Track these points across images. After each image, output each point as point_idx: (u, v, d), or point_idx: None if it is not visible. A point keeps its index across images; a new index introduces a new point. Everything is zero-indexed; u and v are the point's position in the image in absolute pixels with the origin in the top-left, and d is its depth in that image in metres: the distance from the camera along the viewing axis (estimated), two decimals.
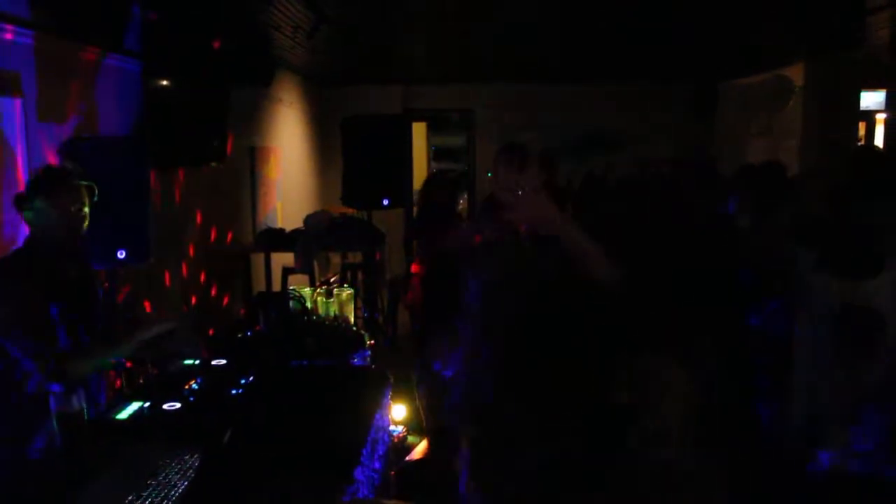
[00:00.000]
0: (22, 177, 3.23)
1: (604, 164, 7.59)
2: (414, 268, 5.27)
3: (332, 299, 4.04)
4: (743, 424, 2.59)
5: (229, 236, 5.88)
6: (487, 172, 9.53)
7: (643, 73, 8.56)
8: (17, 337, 2.40)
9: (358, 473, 2.40)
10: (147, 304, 4.36)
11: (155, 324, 2.71)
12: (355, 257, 6.36)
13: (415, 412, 4.61)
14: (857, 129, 7.63)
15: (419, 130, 9.97)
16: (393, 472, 3.10)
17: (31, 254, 2.57)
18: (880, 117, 7.83)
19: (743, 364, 2.72)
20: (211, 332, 4.58)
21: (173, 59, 4.05)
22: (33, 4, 3.19)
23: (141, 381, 3.06)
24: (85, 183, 2.61)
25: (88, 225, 2.65)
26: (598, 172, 7.15)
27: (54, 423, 2.32)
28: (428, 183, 5.64)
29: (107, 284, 3.57)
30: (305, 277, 6.03)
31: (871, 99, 7.65)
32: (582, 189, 6.84)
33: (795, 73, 7.53)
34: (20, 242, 2.98)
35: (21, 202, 2.57)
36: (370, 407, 2.90)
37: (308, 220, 6.17)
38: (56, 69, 3.52)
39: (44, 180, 2.57)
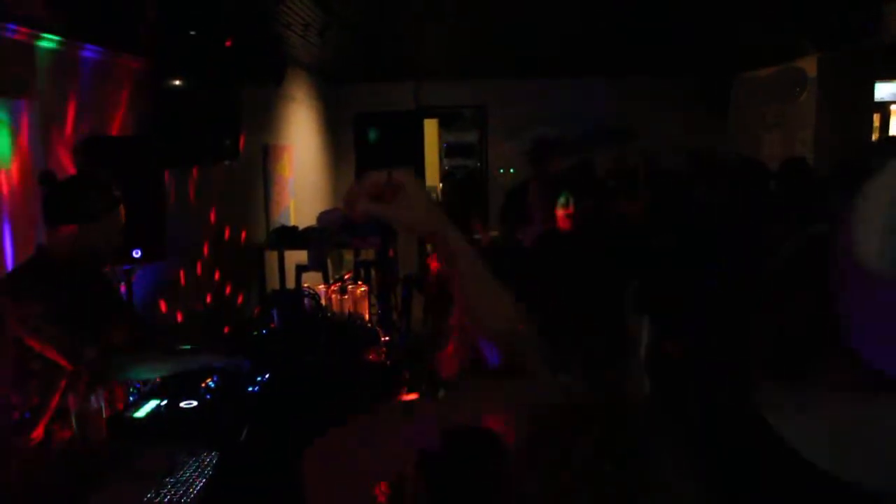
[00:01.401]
0: (33, 178, 3.25)
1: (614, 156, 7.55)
2: (433, 265, 5.27)
3: (345, 296, 4.04)
4: None
5: (243, 235, 5.90)
6: (499, 168, 9.54)
7: (655, 66, 8.52)
8: (53, 331, 2.43)
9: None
10: (162, 304, 4.38)
11: (202, 355, 2.78)
12: (368, 254, 6.36)
13: None
14: (871, 120, 7.56)
15: (431, 127, 9.94)
16: None
17: (50, 259, 2.58)
18: (895, 108, 7.76)
19: None
20: (227, 329, 4.60)
21: (185, 58, 4.06)
22: (45, 6, 3.21)
23: (158, 379, 3.07)
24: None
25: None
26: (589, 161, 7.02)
27: (73, 419, 2.33)
28: (449, 183, 5.65)
29: (122, 284, 3.60)
30: (319, 275, 6.04)
31: (886, 90, 7.58)
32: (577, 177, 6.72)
33: (809, 65, 7.47)
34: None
35: (60, 218, 2.57)
36: (386, 403, 2.90)
37: (321, 217, 6.15)
38: (68, 70, 3.54)
39: (96, 201, 2.57)
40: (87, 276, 2.69)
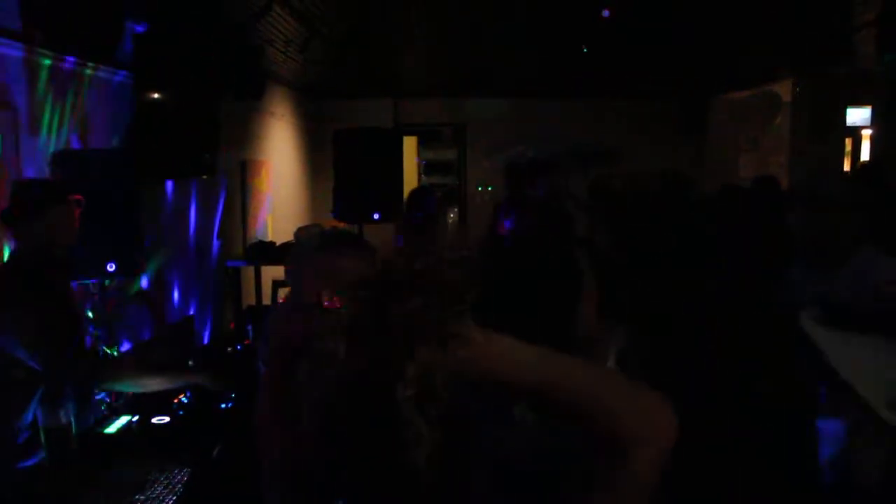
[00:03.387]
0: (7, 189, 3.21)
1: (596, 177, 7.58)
2: None
3: None
4: None
5: (220, 249, 5.86)
6: (478, 186, 9.59)
7: (633, 88, 8.63)
8: (42, 341, 2.42)
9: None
10: (136, 318, 4.34)
11: (191, 375, 2.78)
12: None
13: None
14: (843, 144, 7.69)
15: (409, 144, 9.98)
16: None
17: (21, 266, 2.57)
18: (866, 133, 7.90)
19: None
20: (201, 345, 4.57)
21: (164, 72, 4.05)
22: (24, 17, 3.19)
23: (130, 394, 3.04)
24: (75, 197, 2.62)
25: (78, 238, 2.66)
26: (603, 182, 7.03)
27: (42, 435, 2.30)
28: (410, 197, 5.67)
29: (97, 297, 3.56)
30: None
31: (858, 115, 7.72)
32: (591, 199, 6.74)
33: (783, 89, 7.59)
34: None
35: (9, 219, 2.56)
36: None
37: (298, 233, 6.15)
38: (47, 82, 3.52)
39: (35, 197, 2.57)
40: (58, 286, 2.67)
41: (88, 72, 3.88)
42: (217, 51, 4.37)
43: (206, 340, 5.35)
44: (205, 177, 4.65)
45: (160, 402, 2.88)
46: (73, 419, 2.41)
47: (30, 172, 3.32)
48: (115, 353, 3.60)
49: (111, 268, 3.43)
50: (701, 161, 9.22)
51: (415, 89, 8.95)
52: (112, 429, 2.72)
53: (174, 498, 2.19)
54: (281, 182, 7.61)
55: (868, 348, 2.38)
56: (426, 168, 10.37)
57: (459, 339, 0.87)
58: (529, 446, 1.20)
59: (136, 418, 2.78)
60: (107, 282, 3.56)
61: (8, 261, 2.68)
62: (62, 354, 2.47)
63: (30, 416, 2.48)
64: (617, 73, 7.70)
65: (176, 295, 5.00)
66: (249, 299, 6.03)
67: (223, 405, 2.88)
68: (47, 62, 3.50)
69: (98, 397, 2.88)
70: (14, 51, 3.25)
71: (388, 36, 5.94)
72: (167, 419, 2.76)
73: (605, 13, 4.91)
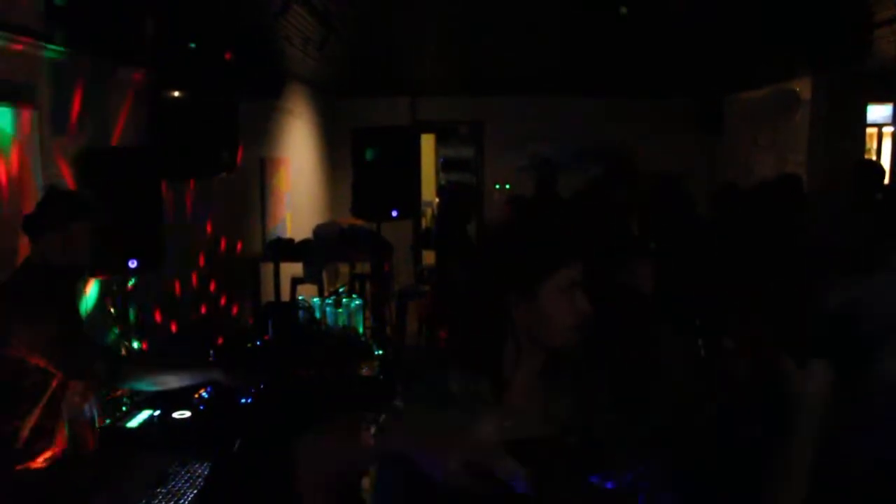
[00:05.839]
0: (35, 188, 3.26)
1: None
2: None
3: (340, 310, 4.07)
4: None
5: (239, 246, 5.91)
6: (495, 184, 9.59)
7: (650, 87, 8.59)
8: (65, 350, 2.44)
9: (365, 483, 2.41)
10: (157, 314, 4.39)
11: (211, 371, 2.81)
12: (364, 268, 6.38)
13: None
14: (864, 142, 7.63)
15: (427, 142, 10.00)
16: None
17: (34, 274, 2.58)
18: (887, 131, 7.83)
19: None
20: (221, 340, 4.62)
21: (184, 70, 4.09)
22: (47, 17, 3.24)
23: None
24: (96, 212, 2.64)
25: (102, 235, 2.68)
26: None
27: (66, 428, 2.34)
28: (452, 195, 5.71)
29: (118, 293, 3.61)
30: (314, 287, 6.06)
31: (878, 113, 7.65)
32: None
33: (802, 87, 7.53)
34: None
35: (31, 228, 2.59)
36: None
37: (317, 230, 6.20)
38: (69, 81, 3.57)
39: (61, 211, 2.58)
40: (70, 289, 2.69)
41: (109, 70, 3.92)
42: (236, 49, 4.41)
43: (226, 337, 5.40)
44: (224, 175, 4.69)
45: (181, 397, 2.92)
46: (95, 413, 2.46)
47: (54, 172, 3.37)
48: (136, 348, 3.65)
49: (133, 264, 3.48)
50: (716, 161, 9.18)
51: (432, 87, 8.97)
52: (134, 423, 2.77)
53: (195, 492, 2.22)
54: (300, 179, 7.66)
55: None
56: (444, 165, 10.39)
57: None
58: None
59: (157, 413, 2.82)
60: (129, 278, 3.61)
61: (20, 269, 2.68)
62: (80, 358, 2.49)
63: (34, 420, 2.49)
64: (633, 72, 7.67)
65: (196, 291, 5.05)
66: (268, 296, 6.08)
67: (243, 400, 2.92)
68: (68, 61, 3.55)
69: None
70: (38, 50, 3.30)
71: (406, 34, 5.96)
72: (188, 414, 2.80)
73: (623, 11, 4.90)
